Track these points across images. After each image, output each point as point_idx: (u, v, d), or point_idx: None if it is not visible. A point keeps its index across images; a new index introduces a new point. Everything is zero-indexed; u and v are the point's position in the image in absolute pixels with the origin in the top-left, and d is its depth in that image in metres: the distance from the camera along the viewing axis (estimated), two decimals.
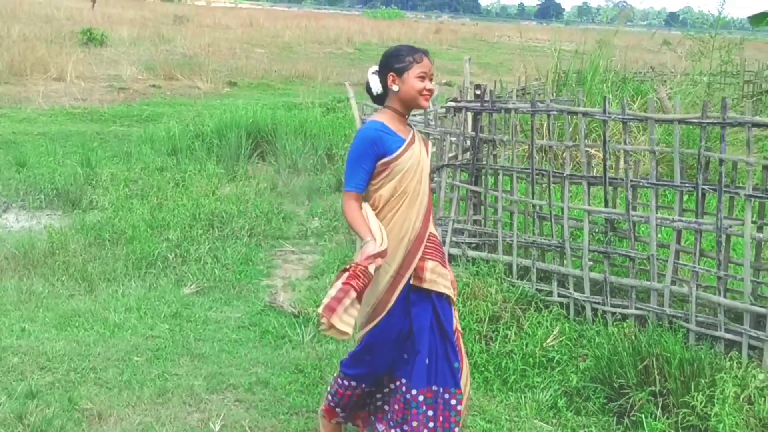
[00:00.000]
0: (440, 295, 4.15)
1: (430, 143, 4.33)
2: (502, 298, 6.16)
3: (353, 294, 3.73)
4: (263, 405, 5.14)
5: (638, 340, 5.26)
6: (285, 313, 6.69)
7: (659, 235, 5.77)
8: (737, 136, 9.52)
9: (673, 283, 5.66)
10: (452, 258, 6.91)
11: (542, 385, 5.37)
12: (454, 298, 4.26)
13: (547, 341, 5.70)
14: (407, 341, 4.14)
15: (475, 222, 6.99)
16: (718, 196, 5.30)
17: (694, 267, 5.49)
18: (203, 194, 9.98)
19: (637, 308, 5.79)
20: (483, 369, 5.60)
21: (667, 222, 5.63)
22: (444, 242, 6.93)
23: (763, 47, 41.50)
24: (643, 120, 5.75)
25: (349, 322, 3.73)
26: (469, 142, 6.98)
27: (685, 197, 5.81)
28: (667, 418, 4.77)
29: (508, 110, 6.51)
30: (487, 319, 5.96)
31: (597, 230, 6.37)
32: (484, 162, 6.80)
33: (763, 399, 4.74)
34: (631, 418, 4.90)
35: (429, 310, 4.13)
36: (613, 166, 6.46)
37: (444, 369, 4.15)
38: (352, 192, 3.97)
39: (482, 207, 6.95)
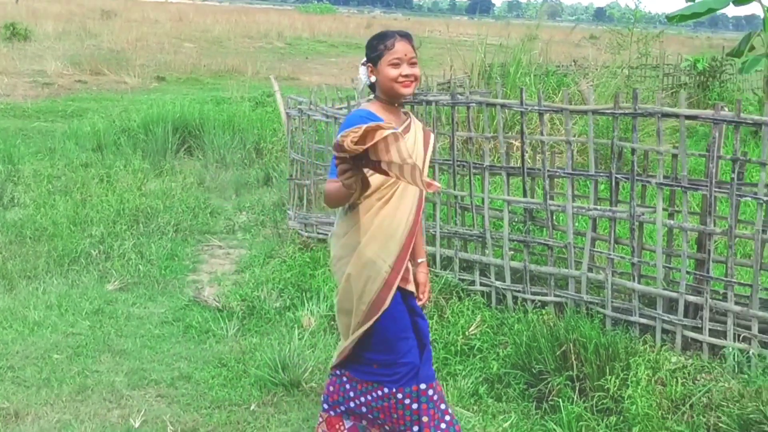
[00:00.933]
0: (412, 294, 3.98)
1: (433, 135, 4.05)
2: None
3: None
4: (185, 400, 5.13)
5: (557, 326, 5.36)
6: (209, 307, 6.66)
7: (576, 224, 5.90)
8: (654, 127, 9.75)
9: (590, 270, 5.79)
10: None
11: (464, 373, 5.45)
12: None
13: (470, 330, 5.78)
14: (398, 342, 3.85)
15: None
16: (630, 184, 5.44)
17: (610, 254, 5.63)
18: (128, 190, 9.88)
19: (555, 295, 5.91)
20: None
21: (583, 211, 5.75)
22: None
23: (686, 41, 42.52)
24: (558, 111, 5.86)
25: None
26: None
27: (600, 186, 5.93)
28: (584, 402, 4.87)
29: (429, 103, 6.57)
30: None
31: (517, 220, 6.47)
32: None
33: (674, 381, 4.89)
34: (550, 402, 5.00)
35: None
36: (534, 156, 6.56)
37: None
38: (335, 180, 3.57)
39: None
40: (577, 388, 4.96)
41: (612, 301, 5.62)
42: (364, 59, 3.84)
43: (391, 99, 3.80)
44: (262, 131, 13.03)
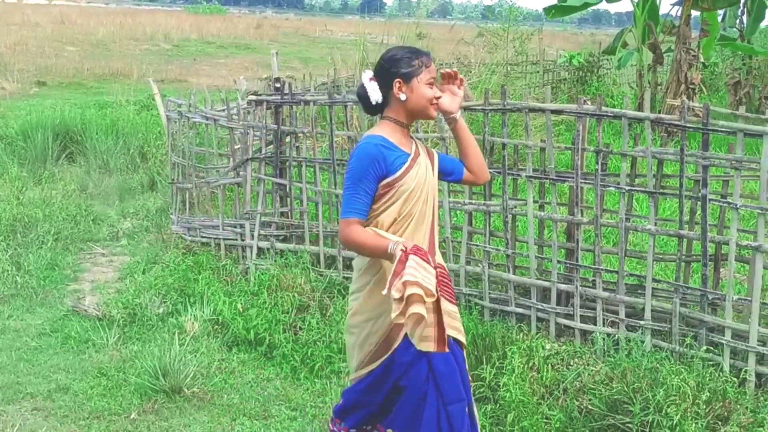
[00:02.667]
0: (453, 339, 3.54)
1: (437, 155, 3.71)
2: (310, 287, 6.26)
3: (421, 261, 3.05)
4: (62, 412, 5.03)
5: None
6: (89, 317, 6.53)
7: (453, 219, 6.01)
8: (536, 122, 10.02)
9: (468, 263, 5.92)
10: (261, 251, 6.95)
11: (347, 371, 5.49)
12: (464, 342, 3.70)
13: None
14: (404, 390, 3.50)
15: (282, 214, 7.05)
16: (502, 178, 5.59)
17: (486, 247, 5.77)
18: (5, 199, 9.55)
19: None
20: (290, 359, 5.67)
21: (459, 205, 5.87)
22: (252, 236, 6.97)
23: (571, 38, 43.67)
24: None
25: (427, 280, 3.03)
26: (272, 136, 7.03)
27: None
28: None
29: (307, 103, 6.60)
30: (295, 309, 6.05)
31: None
32: (288, 154, 6.87)
33: (548, 367, 5.06)
34: None
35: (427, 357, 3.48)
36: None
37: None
38: (353, 218, 3.36)
39: (288, 199, 7.01)
40: None
41: (489, 293, 5.76)
42: (371, 74, 3.51)
43: (413, 120, 3.56)
44: (147, 135, 12.79)
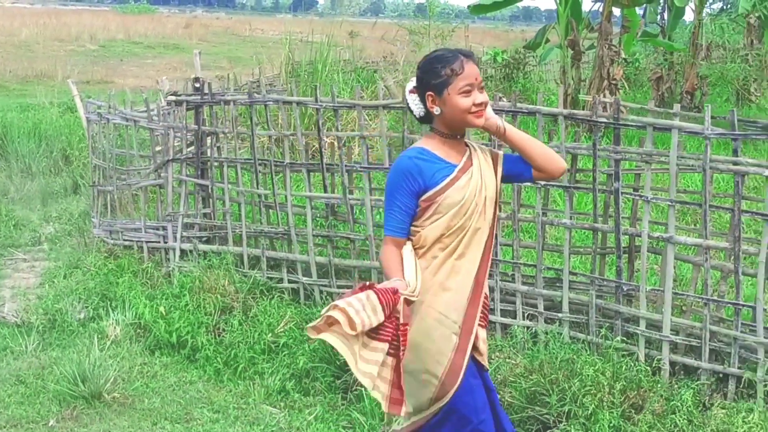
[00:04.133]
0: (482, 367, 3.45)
1: (502, 156, 3.40)
2: (234, 289, 6.22)
3: (376, 303, 2.95)
4: None
5: None
6: (8, 324, 6.40)
7: (375, 217, 6.04)
8: None
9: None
10: (184, 253, 6.89)
11: (271, 371, 5.48)
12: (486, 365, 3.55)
13: (279, 327, 5.81)
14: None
15: (204, 215, 7.00)
16: None
17: None
18: None
19: None
20: (214, 361, 5.64)
21: (380, 203, 5.89)
22: (175, 238, 6.90)
23: (502, 35, 44.04)
24: (351, 107, 6.00)
25: (369, 359, 2.99)
26: (192, 136, 6.97)
27: None
28: None
29: (227, 102, 6.56)
30: (218, 311, 6.01)
31: (320, 215, 6.56)
32: (209, 155, 6.82)
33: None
34: (354, 392, 5.11)
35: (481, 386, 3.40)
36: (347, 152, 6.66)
37: None
38: (391, 237, 3.22)
39: (210, 200, 6.96)
40: None
41: None
42: (413, 84, 3.28)
43: (459, 131, 3.28)
44: (70, 138, 12.57)
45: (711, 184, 4.74)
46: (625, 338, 4.98)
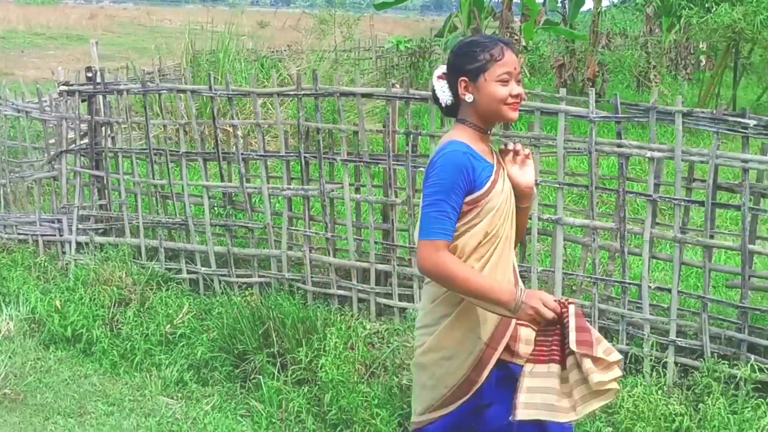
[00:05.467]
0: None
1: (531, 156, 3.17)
2: (131, 281, 6.13)
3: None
4: None
5: (259, 306, 5.46)
6: None
7: (274, 205, 6.03)
8: (370, 106, 10.18)
9: (290, 248, 5.94)
10: (80, 246, 6.75)
11: (168, 362, 5.42)
12: None
13: (177, 319, 5.75)
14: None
15: (100, 207, 6.86)
16: (318, 163, 5.64)
17: (306, 231, 5.81)
18: None
19: (260, 276, 6.01)
20: (110, 354, 5.55)
21: (278, 191, 5.89)
22: (70, 230, 6.75)
23: (412, 24, 44.22)
24: (246, 95, 5.96)
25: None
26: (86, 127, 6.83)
27: (293, 166, 6.09)
28: (285, 376, 5.02)
29: (120, 92, 6.44)
30: (115, 303, 5.92)
31: (217, 205, 6.51)
32: (104, 146, 6.69)
33: (369, 346, 5.17)
34: (253, 380, 5.10)
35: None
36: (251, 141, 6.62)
37: None
38: (441, 240, 2.79)
39: (106, 191, 6.83)
40: (278, 363, 5.09)
41: (312, 277, 5.81)
42: (442, 70, 2.99)
43: (491, 125, 3.00)
44: None
45: (597, 166, 4.87)
46: None
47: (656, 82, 16.20)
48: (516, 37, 12.59)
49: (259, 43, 14.01)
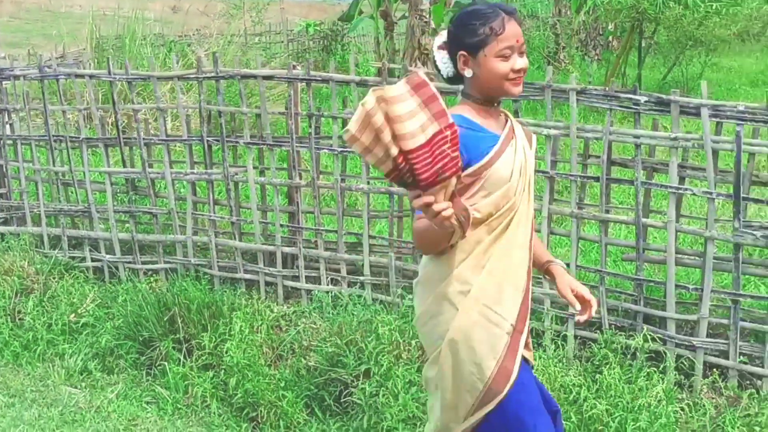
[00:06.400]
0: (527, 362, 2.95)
1: (534, 137, 3.02)
2: (34, 270, 6.00)
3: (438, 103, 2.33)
4: None
5: (166, 292, 5.40)
6: None
7: (178, 190, 5.96)
8: (274, 91, 10.13)
9: (195, 233, 5.89)
10: None
11: (72, 351, 5.33)
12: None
13: (81, 307, 5.66)
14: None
15: (0, 196, 6.68)
16: (221, 146, 5.59)
17: (211, 216, 5.76)
18: None
19: (166, 262, 5.95)
20: (11, 345, 5.43)
21: (181, 176, 5.82)
22: None
23: (329, 9, 44.02)
24: (146, 79, 5.87)
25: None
26: None
27: (197, 150, 6.03)
28: (191, 362, 4.99)
29: (16, 77, 6.27)
30: (17, 293, 5.79)
31: (120, 191, 6.40)
32: (0, 133, 6.51)
33: (276, 329, 5.19)
34: (159, 367, 5.06)
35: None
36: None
37: None
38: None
39: (5, 180, 6.66)
40: (183, 349, 5.06)
41: (218, 261, 5.77)
42: (442, 40, 2.85)
43: (493, 99, 2.82)
44: None
45: None
46: None
47: (565, 63, 16.52)
48: (425, 20, 12.65)
49: (169, 28, 13.80)
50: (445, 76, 2.86)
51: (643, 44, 14.05)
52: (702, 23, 12.62)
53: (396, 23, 13.59)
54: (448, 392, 2.82)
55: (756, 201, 4.56)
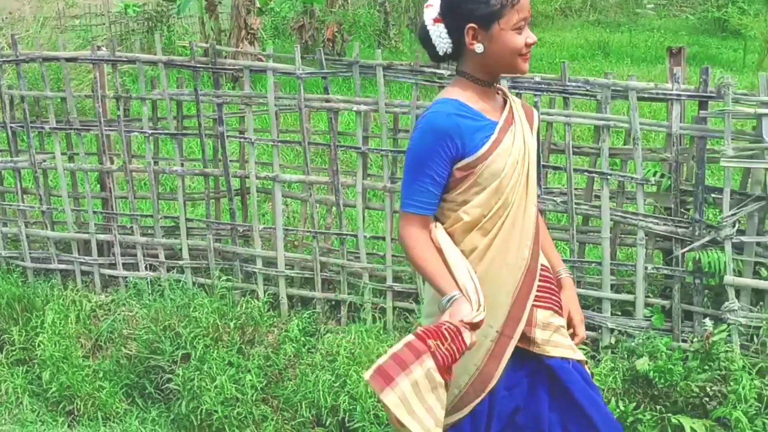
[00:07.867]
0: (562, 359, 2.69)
1: (536, 113, 2.78)
2: None
3: (430, 364, 2.29)
4: None
5: None
6: None
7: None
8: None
9: (4, 224, 5.64)
10: None
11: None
12: (584, 359, 2.80)
13: None
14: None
15: None
16: (26, 132, 5.36)
17: (20, 206, 5.53)
18: None
19: None
20: None
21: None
22: None
23: None
24: None
25: (422, 417, 2.29)
26: None
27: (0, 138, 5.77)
28: (2, 358, 4.82)
29: None
30: None
31: None
32: None
33: (94, 319, 5.06)
34: None
35: (542, 387, 2.68)
36: None
37: None
38: (416, 214, 2.51)
39: None
40: None
41: (30, 253, 5.54)
42: (437, 11, 2.55)
43: (496, 76, 2.60)
44: None
45: (309, 121, 4.97)
46: (245, 278, 5.13)
47: (396, 41, 16.73)
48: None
49: None
50: (441, 53, 2.59)
51: None
52: None
53: (219, 3, 13.38)
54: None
55: (555, 168, 4.76)
